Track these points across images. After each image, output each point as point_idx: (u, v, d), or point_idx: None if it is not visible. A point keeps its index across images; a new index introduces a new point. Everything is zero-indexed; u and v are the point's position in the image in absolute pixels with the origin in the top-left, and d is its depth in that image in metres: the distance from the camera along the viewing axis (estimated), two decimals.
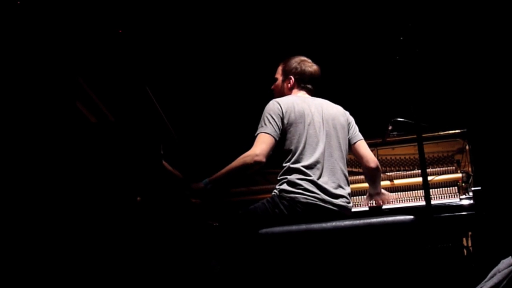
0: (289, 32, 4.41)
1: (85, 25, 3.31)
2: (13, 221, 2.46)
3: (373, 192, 3.21)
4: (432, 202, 3.07)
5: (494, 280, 2.49)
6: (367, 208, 3.28)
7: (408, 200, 3.41)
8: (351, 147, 3.11)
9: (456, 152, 3.57)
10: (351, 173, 3.47)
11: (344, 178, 2.95)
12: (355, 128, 3.14)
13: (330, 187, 2.84)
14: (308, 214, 2.77)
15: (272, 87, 3.24)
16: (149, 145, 2.55)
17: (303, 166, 2.84)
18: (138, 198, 2.48)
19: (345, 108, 3.17)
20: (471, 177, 3.36)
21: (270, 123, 2.91)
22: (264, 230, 2.70)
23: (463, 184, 3.38)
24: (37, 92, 2.61)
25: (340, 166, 2.94)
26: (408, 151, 3.63)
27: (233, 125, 4.34)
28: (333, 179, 2.88)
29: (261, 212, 2.81)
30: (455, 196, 3.32)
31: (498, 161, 3.89)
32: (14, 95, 2.61)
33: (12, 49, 2.71)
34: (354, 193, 3.48)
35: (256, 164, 2.83)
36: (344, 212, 2.86)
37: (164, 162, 2.66)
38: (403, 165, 3.61)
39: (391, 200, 3.29)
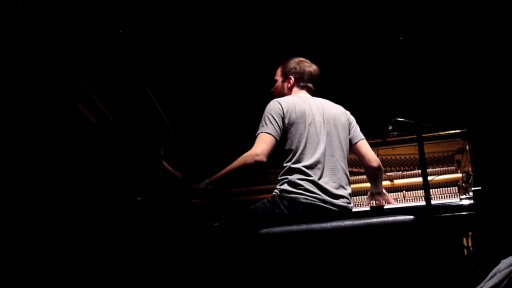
0: (289, 32, 4.41)
1: (85, 25, 3.31)
2: (13, 221, 2.46)
3: (375, 192, 3.21)
4: (432, 202, 3.06)
5: (494, 280, 2.48)
6: (367, 208, 3.28)
7: (408, 200, 3.41)
8: (352, 146, 3.10)
9: (456, 152, 3.57)
10: (351, 173, 3.47)
11: (346, 178, 2.95)
12: (356, 128, 3.14)
13: (330, 187, 2.84)
14: (309, 214, 2.77)
15: (272, 89, 3.24)
16: (149, 145, 2.55)
17: (303, 166, 2.84)
18: (138, 198, 2.48)
19: (346, 108, 3.17)
20: (471, 177, 3.36)
21: (271, 123, 2.91)
22: (264, 230, 2.70)
23: (463, 184, 3.38)
24: (37, 92, 2.61)
25: (342, 166, 2.94)
26: (408, 151, 3.63)
27: (233, 125, 4.34)
28: (334, 179, 2.88)
29: (262, 212, 2.81)
30: (455, 196, 3.32)
31: (498, 161, 3.89)
32: (14, 95, 2.61)
33: (12, 49, 2.71)
34: (354, 193, 3.48)
35: (256, 164, 2.83)
36: (344, 212, 2.86)
37: (164, 162, 2.66)
38: (403, 165, 3.61)
39: (392, 200, 3.29)
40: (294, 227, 2.68)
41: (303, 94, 3.12)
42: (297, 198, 2.79)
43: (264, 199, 2.87)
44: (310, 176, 2.83)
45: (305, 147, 2.89)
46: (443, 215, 3.18)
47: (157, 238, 2.69)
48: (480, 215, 3.14)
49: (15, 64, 2.67)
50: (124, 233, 2.46)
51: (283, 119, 2.92)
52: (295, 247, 2.66)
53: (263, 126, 2.92)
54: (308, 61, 3.18)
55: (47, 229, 2.45)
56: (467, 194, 3.27)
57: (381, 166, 3.12)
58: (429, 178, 3.34)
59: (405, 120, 3.47)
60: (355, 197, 3.48)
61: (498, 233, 3.52)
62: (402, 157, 3.63)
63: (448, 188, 3.40)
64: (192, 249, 3.13)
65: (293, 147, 2.90)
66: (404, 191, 3.47)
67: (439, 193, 3.39)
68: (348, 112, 3.16)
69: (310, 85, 3.14)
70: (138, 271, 2.46)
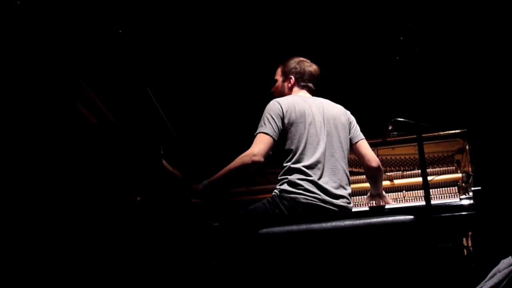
0: (289, 32, 4.41)
1: (85, 25, 3.31)
2: (13, 221, 2.46)
3: (374, 193, 3.21)
4: (432, 202, 3.07)
5: (494, 280, 2.48)
6: (367, 208, 3.28)
7: (408, 200, 3.41)
8: (352, 146, 3.10)
9: (456, 152, 3.57)
10: (351, 173, 3.46)
11: (346, 178, 2.95)
12: (356, 128, 3.14)
13: (330, 187, 2.84)
14: (309, 214, 2.77)
15: (272, 89, 3.24)
16: (149, 145, 2.55)
17: (303, 166, 2.84)
18: (138, 198, 2.48)
19: (346, 108, 3.16)
20: (471, 177, 3.36)
21: (270, 123, 2.90)
22: (264, 230, 2.70)
23: (463, 184, 3.38)
24: (37, 92, 2.61)
25: (342, 165, 2.94)
26: (408, 151, 3.63)
27: (233, 125, 4.34)
28: (334, 179, 2.88)
29: (261, 212, 2.81)
30: (455, 196, 3.33)
31: (498, 161, 3.89)
32: (14, 95, 2.61)
33: (12, 49, 2.72)
34: (354, 193, 3.48)
35: (254, 164, 2.83)
36: (344, 212, 2.86)
37: (164, 162, 2.66)
38: (403, 165, 3.61)
39: (391, 202, 3.29)
40: (294, 227, 2.68)
41: (304, 94, 3.12)
42: (297, 198, 2.78)
43: (264, 199, 2.87)
44: (310, 176, 2.82)
45: (305, 147, 2.89)
46: (443, 215, 3.18)
47: (157, 238, 2.69)
48: (480, 215, 3.14)
49: (15, 64, 2.68)
50: (124, 233, 2.46)
51: (282, 119, 2.92)
52: (295, 247, 2.66)
53: (261, 126, 2.92)
54: (309, 61, 3.18)
55: (47, 228, 2.45)
56: (467, 194, 3.27)
57: (381, 166, 3.12)
58: (429, 178, 3.34)
59: (405, 120, 3.47)
60: (355, 197, 3.48)
61: (498, 233, 3.51)
62: (402, 157, 3.63)
63: (448, 188, 3.40)
64: (192, 249, 3.13)
65: (293, 147, 2.90)
66: (404, 191, 3.47)
67: (439, 193, 3.39)
68: (348, 112, 3.15)
69: (310, 85, 3.14)
70: (138, 271, 2.46)
